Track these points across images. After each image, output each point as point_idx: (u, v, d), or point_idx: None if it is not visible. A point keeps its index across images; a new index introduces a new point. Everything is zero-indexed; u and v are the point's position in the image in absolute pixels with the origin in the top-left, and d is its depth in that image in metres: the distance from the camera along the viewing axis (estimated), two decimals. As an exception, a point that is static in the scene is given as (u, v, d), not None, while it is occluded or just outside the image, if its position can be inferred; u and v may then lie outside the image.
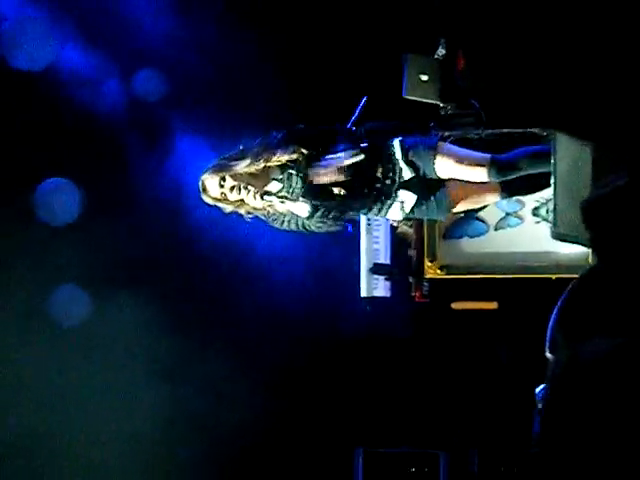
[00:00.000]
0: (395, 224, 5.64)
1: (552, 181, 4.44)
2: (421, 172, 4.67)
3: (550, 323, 2.52)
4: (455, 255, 5.64)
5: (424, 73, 5.63)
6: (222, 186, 4.43)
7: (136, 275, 6.59)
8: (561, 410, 1.99)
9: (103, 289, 6.54)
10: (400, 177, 4.63)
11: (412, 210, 4.73)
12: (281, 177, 4.48)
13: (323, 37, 6.41)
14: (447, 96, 5.71)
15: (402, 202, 4.69)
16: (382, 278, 5.74)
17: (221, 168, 4.44)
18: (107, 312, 6.53)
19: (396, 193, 4.65)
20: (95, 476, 6.60)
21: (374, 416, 6.66)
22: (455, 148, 4.81)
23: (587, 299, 2.15)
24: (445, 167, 4.66)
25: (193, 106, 6.59)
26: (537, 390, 4.47)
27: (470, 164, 4.68)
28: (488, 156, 4.71)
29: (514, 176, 4.69)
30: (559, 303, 2.64)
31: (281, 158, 4.47)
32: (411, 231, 5.74)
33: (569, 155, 4.44)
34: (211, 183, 4.45)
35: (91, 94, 6.49)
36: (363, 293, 5.66)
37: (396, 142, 4.68)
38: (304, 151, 4.49)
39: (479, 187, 4.79)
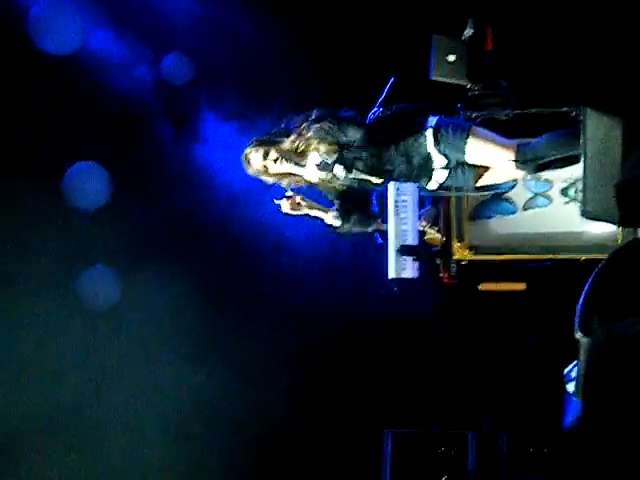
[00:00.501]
0: (422, 228, 5.70)
1: (582, 160, 4.41)
2: (452, 161, 4.75)
3: (579, 304, 2.52)
4: (483, 236, 5.62)
5: (451, 54, 5.59)
6: (265, 159, 4.59)
7: (166, 257, 6.64)
8: (604, 389, 1.99)
9: (133, 271, 6.59)
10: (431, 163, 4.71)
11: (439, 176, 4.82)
12: (321, 161, 4.60)
13: (351, 18, 6.41)
14: (475, 77, 5.67)
15: (435, 179, 4.90)
16: (410, 259, 5.72)
17: (265, 143, 4.60)
18: (137, 293, 6.58)
19: (431, 172, 4.81)
20: (123, 451, 6.68)
21: (403, 398, 6.68)
22: (486, 133, 4.85)
23: (619, 279, 2.14)
24: (475, 153, 4.72)
25: (221, 90, 6.61)
26: (566, 371, 4.47)
27: (499, 146, 4.73)
28: (515, 144, 4.75)
29: (541, 163, 4.72)
30: (588, 284, 2.63)
31: (320, 146, 4.58)
32: (438, 236, 5.74)
33: (599, 134, 4.41)
34: (255, 156, 4.62)
35: (118, 78, 6.52)
36: (391, 274, 5.65)
37: (429, 131, 4.72)
38: (340, 144, 4.58)
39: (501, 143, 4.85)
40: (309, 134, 4.60)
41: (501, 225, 5.58)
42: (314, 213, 4.89)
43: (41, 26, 6.36)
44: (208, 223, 6.67)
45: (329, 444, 6.78)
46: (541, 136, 4.80)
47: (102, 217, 6.61)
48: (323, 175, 4.67)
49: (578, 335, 2.46)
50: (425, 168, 4.87)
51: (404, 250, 5.59)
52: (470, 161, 4.79)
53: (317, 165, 4.64)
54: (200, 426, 6.76)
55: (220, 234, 6.64)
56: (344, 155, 4.64)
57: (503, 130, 5.43)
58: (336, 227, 4.90)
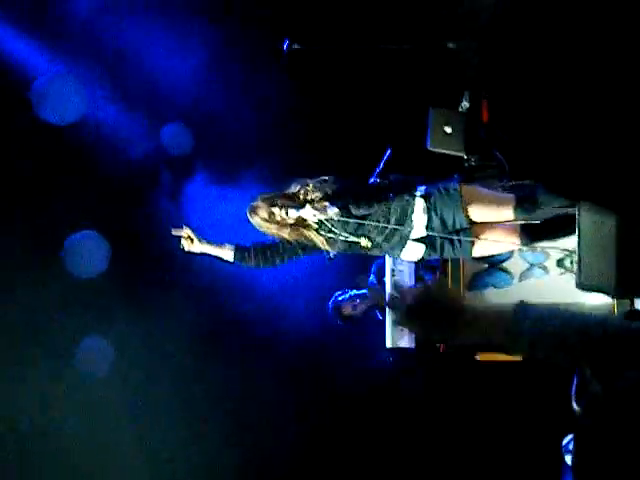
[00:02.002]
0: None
1: (576, 232, 4.45)
2: (449, 225, 4.77)
3: (576, 375, 2.52)
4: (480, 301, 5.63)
5: (448, 125, 5.68)
6: (271, 207, 4.76)
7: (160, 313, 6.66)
8: (602, 438, 1.99)
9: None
10: (409, 229, 4.77)
11: (436, 251, 4.84)
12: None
13: (349, 91, 6.51)
14: (471, 148, 5.75)
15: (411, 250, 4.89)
16: (407, 329, 5.73)
17: (272, 196, 4.76)
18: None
19: (405, 242, 4.83)
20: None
21: (398, 471, 6.61)
22: (478, 188, 4.91)
23: (615, 343, 2.14)
24: (474, 208, 4.76)
25: (219, 157, 6.68)
26: (564, 442, 4.45)
27: (495, 202, 4.78)
28: (512, 194, 4.82)
29: (539, 213, 4.76)
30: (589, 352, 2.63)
31: (321, 216, 4.71)
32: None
33: (593, 208, 4.46)
34: (262, 205, 4.78)
35: (119, 148, 6.60)
36: (388, 344, 5.65)
37: (418, 196, 4.78)
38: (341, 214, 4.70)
39: (502, 231, 4.86)
40: (314, 189, 4.75)
41: (497, 296, 5.59)
42: (208, 251, 4.89)
43: (44, 96, 6.45)
44: (205, 285, 6.70)
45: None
46: (538, 187, 4.84)
47: (101, 285, 6.62)
48: (317, 214, 4.72)
49: (576, 407, 2.45)
50: (400, 239, 4.87)
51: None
52: (472, 217, 4.77)
53: (313, 206, 4.72)
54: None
55: (215, 290, 6.66)
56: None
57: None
58: (233, 262, 4.89)
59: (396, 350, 5.68)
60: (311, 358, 6.53)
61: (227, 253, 4.88)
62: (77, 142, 6.54)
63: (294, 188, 4.81)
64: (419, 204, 4.77)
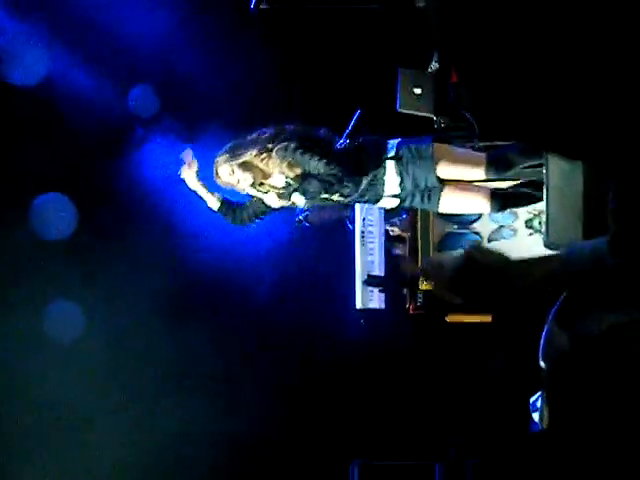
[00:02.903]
0: (390, 229, 5.71)
1: (544, 191, 4.48)
2: (421, 183, 4.74)
3: (544, 332, 2.54)
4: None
5: (418, 87, 5.67)
6: (232, 174, 4.69)
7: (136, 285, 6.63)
8: (570, 386, 2.00)
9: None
10: (383, 188, 4.75)
11: (406, 202, 4.82)
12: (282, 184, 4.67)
13: (318, 51, 6.47)
14: (441, 109, 5.74)
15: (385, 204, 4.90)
16: (377, 290, 5.76)
17: (233, 156, 4.67)
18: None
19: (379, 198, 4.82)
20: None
21: (370, 429, 6.67)
22: (450, 146, 4.87)
23: (585, 294, 2.14)
24: (444, 167, 4.73)
25: (187, 118, 6.63)
26: (531, 400, 4.51)
27: (467, 161, 4.76)
28: (483, 154, 4.80)
29: (510, 173, 4.76)
30: (553, 312, 2.65)
31: (285, 169, 4.63)
32: (405, 234, 5.75)
33: (560, 166, 4.48)
34: (223, 171, 4.71)
35: (85, 109, 6.52)
36: (358, 305, 5.68)
37: (390, 158, 4.74)
38: (300, 168, 4.62)
39: (472, 192, 4.85)
40: (275, 154, 4.63)
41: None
42: (199, 190, 4.84)
43: (7, 56, 6.35)
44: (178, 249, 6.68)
45: (296, 474, 6.75)
46: (507, 147, 4.82)
47: (67, 249, 6.58)
48: (283, 202, 4.70)
49: (543, 364, 2.47)
50: (374, 195, 4.83)
51: (370, 281, 5.63)
52: (441, 176, 4.75)
53: (278, 193, 4.66)
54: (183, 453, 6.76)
55: (189, 264, 6.64)
56: (304, 186, 4.65)
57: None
58: (215, 212, 4.87)
59: (366, 311, 5.72)
60: (283, 320, 6.55)
61: (213, 201, 4.85)
62: (44, 103, 6.46)
63: (258, 153, 4.67)
64: (391, 167, 4.74)
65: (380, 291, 5.77)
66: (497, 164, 4.73)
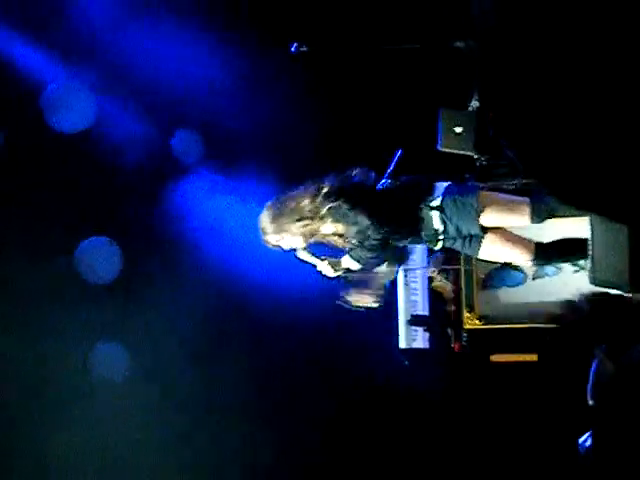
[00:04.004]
0: (431, 275, 5.68)
1: (589, 228, 4.44)
2: (462, 231, 4.73)
3: (592, 372, 2.52)
4: (493, 305, 5.63)
5: (458, 125, 5.68)
6: (279, 240, 4.64)
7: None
8: (615, 413, 1.99)
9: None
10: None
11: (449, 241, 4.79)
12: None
13: (358, 92, 6.51)
14: (482, 147, 5.75)
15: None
16: (421, 329, 5.74)
17: (278, 217, 4.59)
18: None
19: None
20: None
21: (413, 469, 6.60)
22: (495, 194, 4.83)
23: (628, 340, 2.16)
24: (488, 216, 4.70)
25: (229, 161, 6.70)
26: (581, 440, 4.43)
27: (512, 209, 4.71)
28: (527, 199, 4.75)
29: (551, 218, 4.73)
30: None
31: (328, 231, 4.61)
32: (447, 286, 5.74)
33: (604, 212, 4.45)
34: (270, 239, 4.64)
35: (130, 153, 6.62)
36: (402, 344, 5.66)
37: (434, 207, 4.72)
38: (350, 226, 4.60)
39: (514, 242, 4.80)
40: (323, 211, 4.55)
41: (511, 294, 5.60)
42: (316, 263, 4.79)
43: (55, 104, 6.49)
44: (222, 300, 6.72)
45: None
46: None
47: (113, 292, 6.65)
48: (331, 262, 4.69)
49: (591, 402, 2.45)
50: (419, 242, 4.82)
51: (415, 320, 5.61)
52: (485, 224, 4.73)
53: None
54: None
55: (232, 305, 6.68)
56: (353, 249, 4.64)
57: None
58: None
59: (410, 350, 5.70)
60: (325, 358, 6.53)
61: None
62: (88, 149, 6.57)
63: (304, 212, 4.57)
64: (435, 216, 4.72)
65: (424, 330, 5.75)
66: (541, 209, 4.69)
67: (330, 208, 4.51)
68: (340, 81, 6.50)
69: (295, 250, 4.66)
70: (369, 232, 4.52)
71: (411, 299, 5.73)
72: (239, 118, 6.67)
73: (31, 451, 6.49)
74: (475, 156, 5.80)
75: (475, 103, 5.73)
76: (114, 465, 6.61)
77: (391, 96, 6.46)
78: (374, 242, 4.55)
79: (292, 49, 5.32)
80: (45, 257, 6.46)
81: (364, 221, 4.51)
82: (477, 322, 5.62)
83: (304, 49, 5.30)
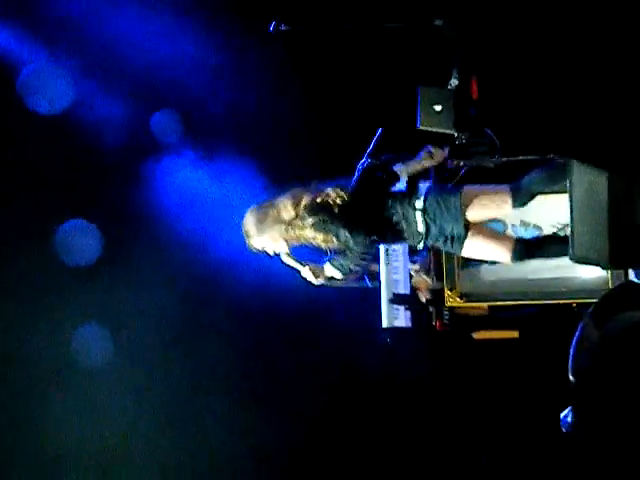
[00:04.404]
0: (414, 273, 5.72)
1: (568, 205, 4.46)
2: (446, 230, 4.76)
3: (572, 347, 2.53)
4: (474, 283, 5.65)
5: (438, 104, 5.67)
6: (264, 244, 4.76)
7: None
8: (599, 382, 2.00)
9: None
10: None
11: (431, 240, 4.82)
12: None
13: (337, 71, 6.50)
14: (461, 126, 5.74)
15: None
16: (402, 308, 5.74)
17: (259, 232, 4.69)
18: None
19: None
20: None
21: (397, 449, 6.64)
22: (476, 188, 4.85)
23: (624, 305, 2.16)
24: (472, 211, 4.74)
25: (208, 142, 6.68)
26: (562, 415, 4.47)
27: (494, 199, 4.75)
28: (506, 186, 4.78)
29: (532, 199, 4.77)
30: (581, 327, 2.63)
31: (318, 236, 4.69)
32: (426, 282, 5.76)
33: (584, 179, 4.47)
34: (256, 242, 4.75)
35: (110, 135, 6.58)
36: (384, 323, 5.67)
37: (418, 209, 4.73)
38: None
39: (495, 242, 4.82)
40: (304, 223, 4.64)
41: (492, 272, 5.60)
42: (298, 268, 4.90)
43: (31, 86, 6.44)
44: (199, 281, 6.70)
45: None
46: (529, 174, 4.81)
47: (92, 275, 6.63)
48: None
49: (572, 378, 2.46)
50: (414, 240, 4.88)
51: (396, 299, 5.62)
52: (469, 219, 4.77)
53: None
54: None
55: (214, 292, 6.66)
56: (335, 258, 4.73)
57: (490, 177, 5.49)
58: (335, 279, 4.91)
59: (392, 329, 5.70)
60: (308, 337, 6.54)
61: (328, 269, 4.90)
62: (66, 131, 6.53)
63: (286, 219, 4.66)
64: (419, 217, 4.75)
65: (406, 309, 5.76)
66: (521, 195, 4.73)
67: (310, 221, 4.60)
68: (320, 60, 6.48)
69: (279, 254, 4.74)
70: (350, 243, 4.60)
71: (393, 278, 5.73)
72: (218, 97, 6.64)
73: (14, 436, 6.48)
74: (455, 134, 5.79)
75: (454, 81, 5.72)
76: (99, 448, 6.62)
77: (370, 75, 6.45)
78: (356, 253, 4.62)
79: (271, 28, 5.29)
80: (24, 241, 6.44)
81: (345, 234, 4.60)
82: (458, 300, 5.64)
83: (283, 28, 5.27)
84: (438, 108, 5.68)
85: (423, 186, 4.84)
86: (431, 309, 5.74)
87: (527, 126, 5.92)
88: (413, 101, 5.77)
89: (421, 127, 5.71)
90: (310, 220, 4.61)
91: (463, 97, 5.76)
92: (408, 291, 5.76)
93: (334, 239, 4.65)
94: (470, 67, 5.81)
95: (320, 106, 6.56)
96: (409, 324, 5.82)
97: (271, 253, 4.79)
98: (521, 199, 4.75)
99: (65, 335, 6.62)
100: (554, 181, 4.73)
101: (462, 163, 5.66)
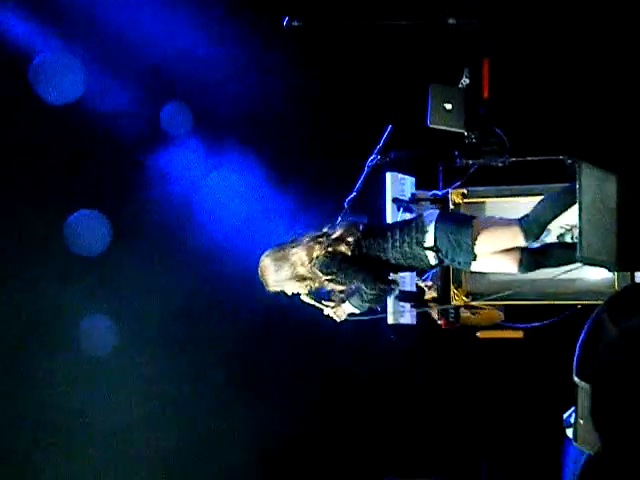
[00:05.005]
0: (424, 286, 5.74)
1: (577, 206, 4.46)
2: (455, 260, 4.80)
3: (577, 348, 2.53)
4: (481, 282, 5.65)
5: (448, 102, 5.67)
6: (280, 289, 4.84)
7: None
8: (615, 381, 1.99)
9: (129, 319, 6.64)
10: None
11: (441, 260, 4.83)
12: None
13: (349, 67, 6.50)
14: (471, 125, 5.74)
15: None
16: (408, 306, 5.75)
17: (277, 283, 4.78)
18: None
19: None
20: None
21: (401, 446, 6.65)
22: (486, 223, 4.82)
23: (629, 308, 2.15)
24: (483, 246, 4.73)
25: (218, 134, 6.69)
26: (565, 416, 4.48)
27: (504, 233, 4.73)
28: (516, 221, 4.75)
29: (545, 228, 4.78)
30: (586, 328, 2.63)
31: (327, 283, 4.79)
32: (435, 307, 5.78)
33: (594, 180, 4.47)
34: (272, 289, 4.84)
35: (121, 125, 6.59)
36: (390, 320, 5.67)
37: (428, 248, 4.75)
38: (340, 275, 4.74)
39: (503, 256, 4.82)
40: (319, 276, 4.73)
41: (499, 272, 5.60)
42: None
43: (43, 75, 6.45)
44: (207, 276, 6.72)
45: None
46: (537, 205, 4.79)
47: (102, 264, 6.64)
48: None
49: (576, 379, 2.46)
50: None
51: (402, 297, 5.63)
52: (479, 252, 4.73)
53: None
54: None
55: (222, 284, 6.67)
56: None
57: (498, 177, 5.50)
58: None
59: (397, 327, 5.71)
60: (311, 335, 6.55)
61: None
62: (77, 121, 6.53)
63: (299, 264, 4.73)
64: (430, 255, 4.77)
65: (412, 307, 5.77)
66: (531, 228, 4.71)
67: (324, 279, 4.73)
68: (331, 56, 6.48)
69: (299, 295, 4.84)
70: (364, 287, 4.70)
71: (399, 275, 5.74)
72: (229, 90, 6.65)
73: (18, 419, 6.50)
74: (464, 133, 5.79)
75: (465, 80, 5.73)
76: (101, 430, 6.63)
77: (381, 72, 6.46)
78: (371, 295, 4.71)
79: (284, 24, 5.29)
80: (33, 230, 6.45)
81: (359, 282, 4.70)
82: (464, 298, 5.65)
83: (295, 24, 5.28)
84: (449, 106, 5.68)
85: (429, 215, 4.82)
86: (437, 307, 5.75)
87: (537, 127, 5.92)
88: (424, 99, 5.78)
89: (431, 125, 5.72)
90: (324, 278, 4.73)
91: (474, 96, 5.77)
92: (414, 289, 5.78)
93: (349, 285, 4.78)
94: (482, 67, 5.81)
95: (330, 102, 6.56)
96: (414, 322, 5.84)
97: (289, 294, 4.84)
98: (533, 233, 4.73)
99: (71, 324, 6.63)
100: (560, 207, 4.70)
101: (471, 162, 5.67)
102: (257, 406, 6.70)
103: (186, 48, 6.63)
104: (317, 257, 4.70)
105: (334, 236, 4.74)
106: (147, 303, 6.65)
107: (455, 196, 5.68)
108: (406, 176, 5.92)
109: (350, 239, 4.72)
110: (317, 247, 4.72)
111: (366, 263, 4.73)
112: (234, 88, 6.63)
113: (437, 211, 4.90)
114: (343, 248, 4.71)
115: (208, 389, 6.74)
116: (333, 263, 4.68)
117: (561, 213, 4.74)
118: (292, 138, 6.54)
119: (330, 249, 4.71)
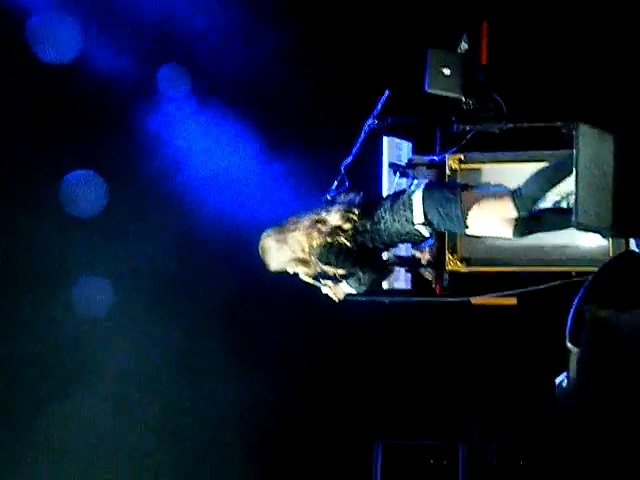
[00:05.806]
0: (421, 259, 5.76)
1: (574, 172, 4.47)
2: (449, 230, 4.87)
3: (570, 314, 2.55)
4: (476, 248, 5.67)
5: (446, 67, 5.66)
6: (279, 266, 4.90)
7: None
8: (601, 362, 2.02)
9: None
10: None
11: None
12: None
13: (347, 32, 6.47)
14: (469, 90, 5.74)
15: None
16: (403, 270, 5.78)
17: (278, 264, 4.86)
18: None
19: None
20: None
21: (394, 409, 6.69)
22: (476, 195, 4.78)
23: (612, 288, 2.17)
24: (475, 221, 4.73)
25: (215, 98, 6.67)
26: (557, 380, 4.51)
27: (495, 206, 4.72)
28: (507, 191, 4.73)
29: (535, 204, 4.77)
30: (579, 295, 2.64)
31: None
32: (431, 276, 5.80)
33: (590, 147, 4.47)
34: (273, 269, 4.90)
35: (116, 87, 6.57)
36: (384, 285, 5.70)
37: (420, 224, 4.75)
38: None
39: (497, 220, 4.81)
40: (316, 263, 4.80)
41: (494, 237, 5.61)
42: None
43: (40, 34, 6.42)
44: (206, 240, 6.72)
45: (319, 455, 6.78)
46: (531, 179, 4.77)
47: (97, 226, 6.64)
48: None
49: (569, 345, 2.49)
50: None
51: (397, 261, 5.65)
52: (470, 225, 4.75)
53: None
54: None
55: (219, 251, 6.68)
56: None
57: (496, 142, 5.50)
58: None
59: (392, 291, 5.74)
60: (306, 301, 6.58)
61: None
62: (74, 81, 6.51)
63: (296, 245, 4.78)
64: (422, 229, 4.78)
65: (406, 271, 5.79)
66: (523, 201, 4.69)
67: (324, 267, 4.81)
68: (329, 21, 6.45)
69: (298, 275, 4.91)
70: (361, 275, 4.79)
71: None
72: (226, 53, 6.62)
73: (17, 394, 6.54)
74: (462, 99, 5.79)
75: (464, 45, 5.71)
76: (97, 392, 6.67)
77: (380, 37, 6.43)
78: (368, 281, 4.82)
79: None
80: (29, 191, 6.45)
81: (357, 270, 4.80)
82: (459, 264, 5.66)
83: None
84: (447, 72, 5.67)
85: (415, 187, 4.84)
86: (432, 273, 5.77)
87: (535, 93, 5.91)
88: (422, 64, 5.76)
89: (429, 90, 5.71)
90: (324, 266, 4.82)
91: (472, 62, 5.75)
92: (409, 253, 5.79)
93: (345, 271, 4.83)
94: (480, 32, 5.79)
95: (328, 66, 6.54)
96: (409, 286, 5.86)
97: (290, 273, 4.90)
98: (525, 207, 4.70)
99: (66, 287, 6.65)
100: (554, 180, 4.70)
101: (468, 128, 5.66)
102: (250, 371, 6.73)
103: (185, 9, 6.59)
104: (316, 246, 4.75)
105: (333, 223, 4.76)
106: (140, 266, 6.66)
107: (452, 162, 5.68)
108: (403, 141, 5.92)
109: (347, 226, 4.75)
110: (316, 235, 4.76)
111: (363, 252, 4.80)
112: (232, 51, 6.60)
113: (421, 186, 4.84)
114: (342, 239, 4.75)
115: (200, 354, 6.77)
116: (332, 255, 4.76)
117: (555, 186, 4.74)
118: (289, 102, 6.52)
119: (329, 239, 4.75)
